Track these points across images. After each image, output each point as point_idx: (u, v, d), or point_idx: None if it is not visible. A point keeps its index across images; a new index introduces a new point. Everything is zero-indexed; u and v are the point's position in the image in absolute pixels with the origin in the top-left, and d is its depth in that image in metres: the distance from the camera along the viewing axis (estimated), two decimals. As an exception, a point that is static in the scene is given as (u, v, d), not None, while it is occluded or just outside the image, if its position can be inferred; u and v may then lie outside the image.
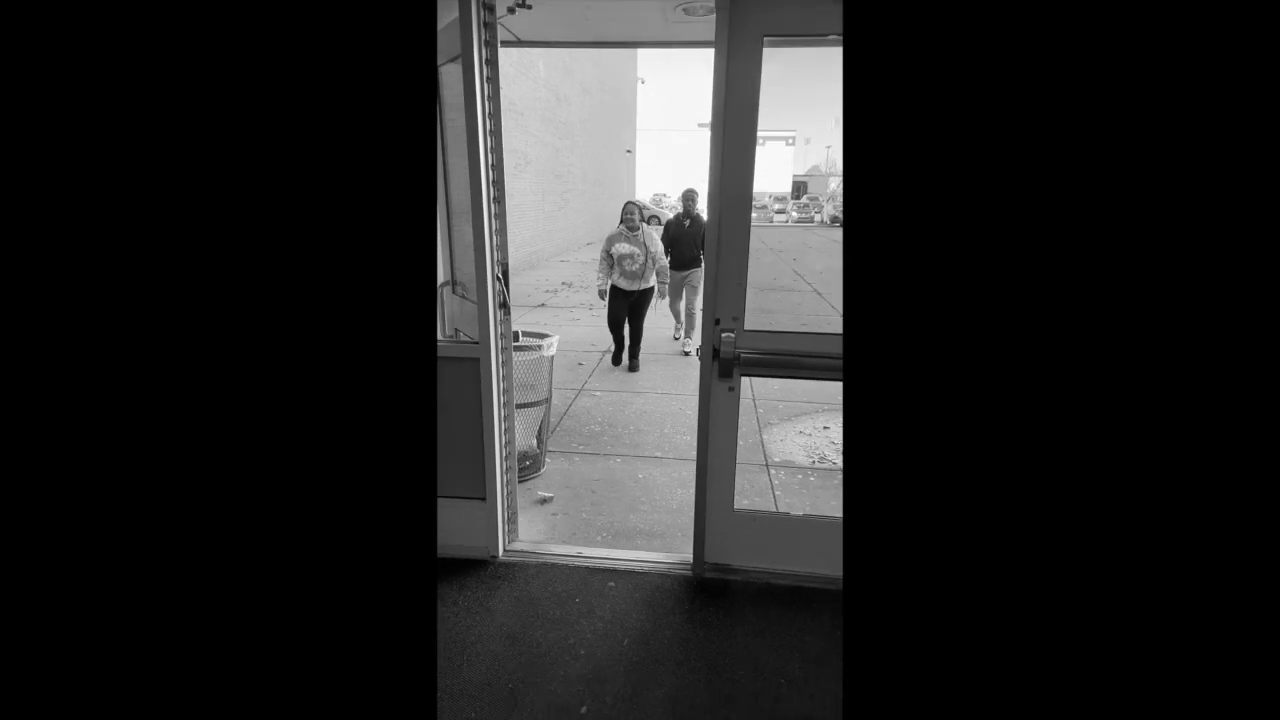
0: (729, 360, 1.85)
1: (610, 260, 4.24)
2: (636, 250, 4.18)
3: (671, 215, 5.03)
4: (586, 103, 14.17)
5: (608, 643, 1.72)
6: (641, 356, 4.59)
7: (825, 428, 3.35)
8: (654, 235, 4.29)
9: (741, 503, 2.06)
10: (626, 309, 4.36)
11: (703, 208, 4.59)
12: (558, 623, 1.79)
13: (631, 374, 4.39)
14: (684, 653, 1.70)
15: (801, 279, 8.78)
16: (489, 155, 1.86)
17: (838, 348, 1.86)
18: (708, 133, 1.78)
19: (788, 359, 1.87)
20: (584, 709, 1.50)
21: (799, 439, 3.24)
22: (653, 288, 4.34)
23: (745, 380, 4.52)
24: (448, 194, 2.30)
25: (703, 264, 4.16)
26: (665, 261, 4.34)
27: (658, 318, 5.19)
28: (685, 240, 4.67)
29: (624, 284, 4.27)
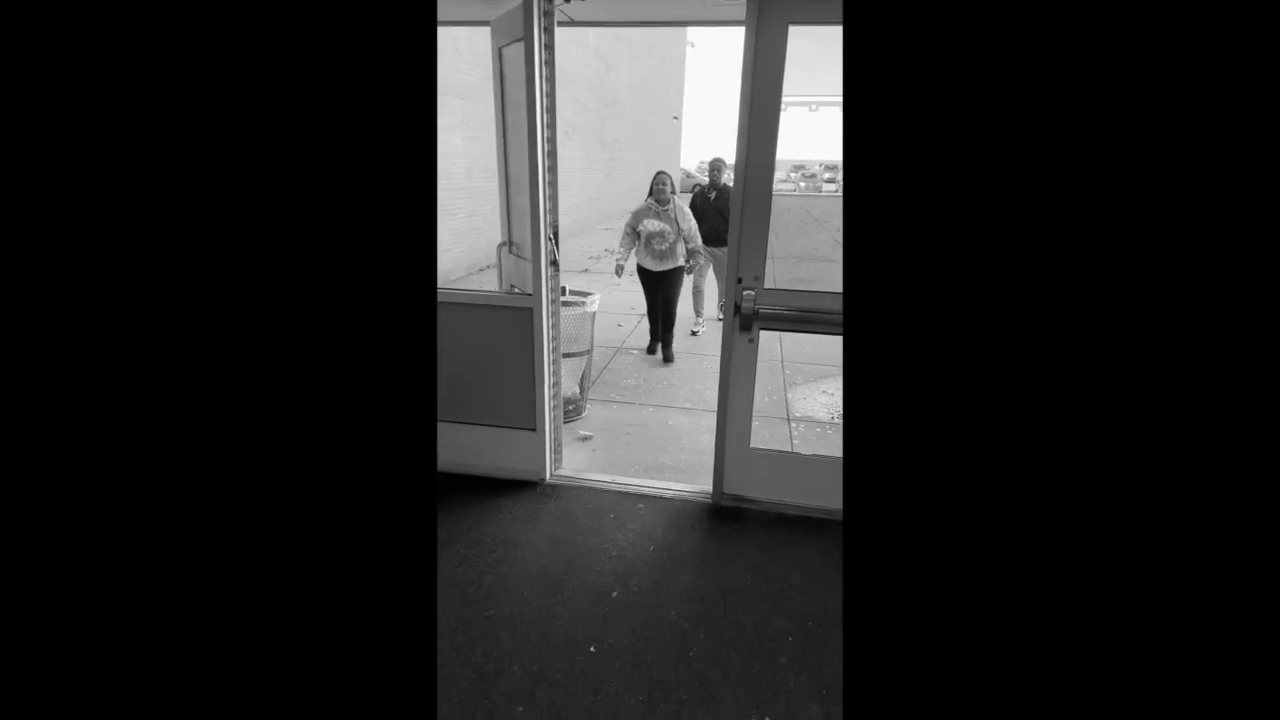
0: (749, 315, 2.09)
1: (636, 237, 3.81)
2: (666, 228, 3.70)
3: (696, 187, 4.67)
4: (635, 69, 14.12)
5: (636, 548, 2.05)
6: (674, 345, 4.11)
7: (848, 389, 3.55)
8: (687, 211, 3.82)
9: (758, 445, 2.33)
10: (656, 291, 3.90)
11: (731, 179, 4.09)
12: (594, 532, 2.13)
13: (666, 365, 3.94)
14: (700, 559, 2.01)
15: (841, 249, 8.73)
16: (544, 130, 2.13)
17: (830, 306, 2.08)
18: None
19: (800, 314, 2.10)
20: (615, 594, 1.84)
21: (821, 397, 3.46)
22: (681, 267, 3.87)
23: (776, 343, 4.67)
24: (506, 164, 2.59)
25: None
26: (699, 241, 3.86)
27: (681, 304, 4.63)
28: (710, 214, 4.36)
29: (650, 263, 3.81)
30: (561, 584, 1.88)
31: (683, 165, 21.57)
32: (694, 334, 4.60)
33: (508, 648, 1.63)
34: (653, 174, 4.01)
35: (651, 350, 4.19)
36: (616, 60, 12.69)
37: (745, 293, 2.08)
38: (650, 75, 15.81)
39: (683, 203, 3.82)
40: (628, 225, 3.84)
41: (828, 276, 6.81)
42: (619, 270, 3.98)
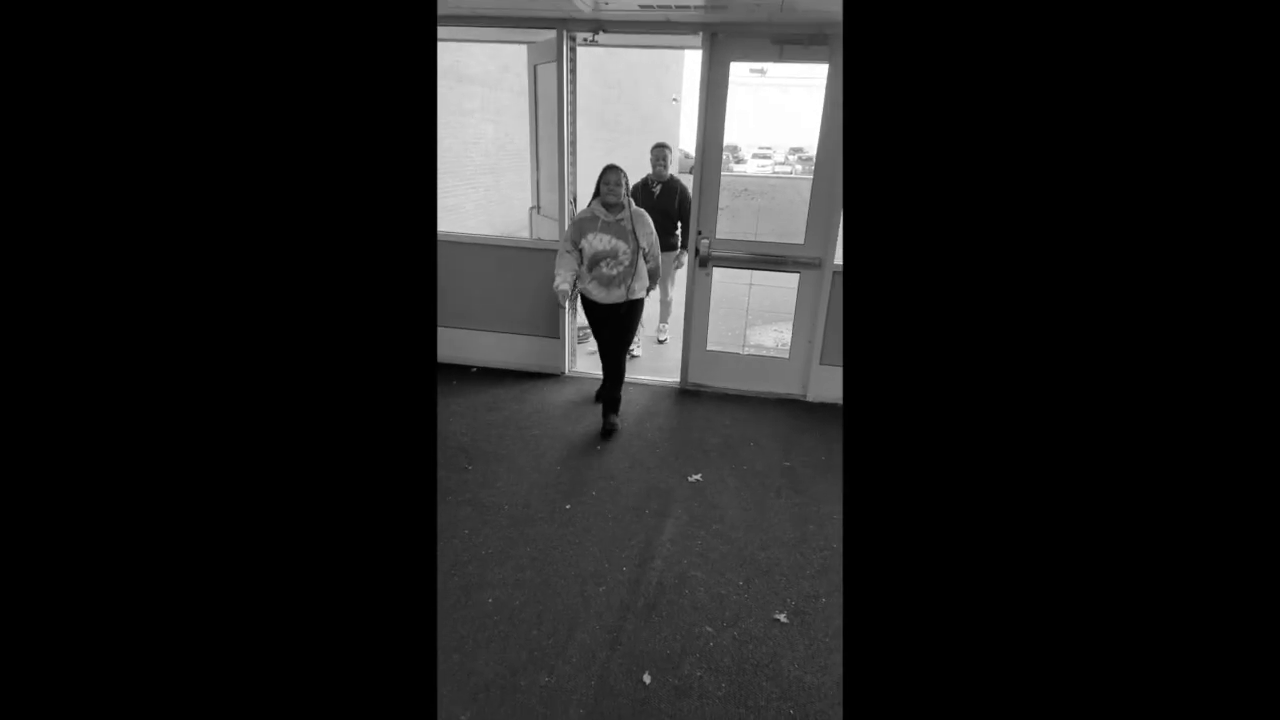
0: (705, 257, 3.11)
1: (578, 256, 2.59)
2: (620, 244, 2.53)
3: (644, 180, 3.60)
4: (635, 54, 14.88)
5: (628, 408, 3.09)
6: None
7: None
8: (647, 219, 2.60)
9: (712, 349, 3.36)
10: (601, 329, 2.74)
11: (676, 169, 3.64)
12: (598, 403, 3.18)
13: (604, 440, 2.74)
14: (669, 412, 3.05)
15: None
16: (568, 125, 3.11)
17: (773, 250, 3.10)
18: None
19: (740, 257, 3.12)
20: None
21: (772, 334, 4.49)
22: (640, 301, 2.70)
23: (745, 295, 5.75)
24: (536, 148, 3.57)
25: (678, 243, 3.63)
26: (659, 259, 2.70)
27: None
28: (651, 214, 2.77)
29: (597, 292, 2.61)
30: (580, 420, 2.92)
31: (682, 145, 22.34)
32: (660, 342, 4.11)
33: (549, 444, 2.67)
34: (651, 148, 3.49)
35: (606, 433, 2.79)
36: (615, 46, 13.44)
37: (702, 241, 3.09)
38: (649, 60, 16.53)
39: (641, 211, 2.63)
40: (566, 239, 2.62)
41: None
42: (564, 298, 2.52)
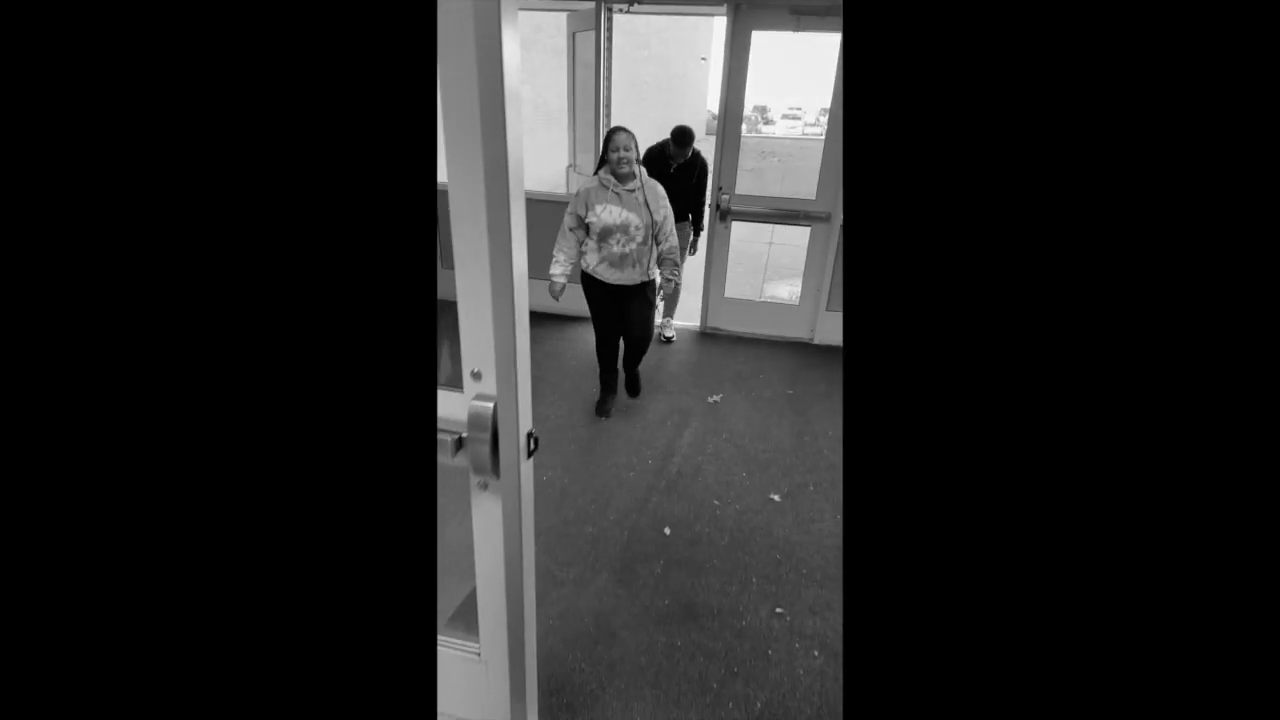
0: (725, 210, 3.46)
1: (584, 232, 2.38)
2: (632, 218, 2.30)
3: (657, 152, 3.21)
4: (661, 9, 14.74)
5: (654, 348, 3.51)
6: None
7: (808, 282, 4.92)
8: (660, 192, 2.37)
9: (729, 296, 3.73)
10: (613, 311, 2.50)
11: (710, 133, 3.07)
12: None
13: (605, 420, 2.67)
14: (693, 353, 3.46)
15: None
16: (604, 92, 3.44)
17: (787, 205, 3.44)
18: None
19: (757, 211, 3.47)
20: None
21: (787, 287, 4.83)
22: (653, 282, 2.47)
23: (764, 248, 6.10)
24: (574, 109, 3.91)
25: (690, 223, 3.28)
26: (674, 240, 2.41)
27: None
28: (670, 194, 2.51)
29: (606, 272, 2.40)
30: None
31: (709, 107, 22.07)
32: (668, 340, 3.56)
33: (586, 376, 3.11)
34: (683, 116, 2.98)
35: (601, 411, 2.71)
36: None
37: (723, 196, 3.44)
38: (678, 19, 16.32)
39: (654, 182, 2.39)
40: (570, 214, 2.36)
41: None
42: (558, 291, 2.38)
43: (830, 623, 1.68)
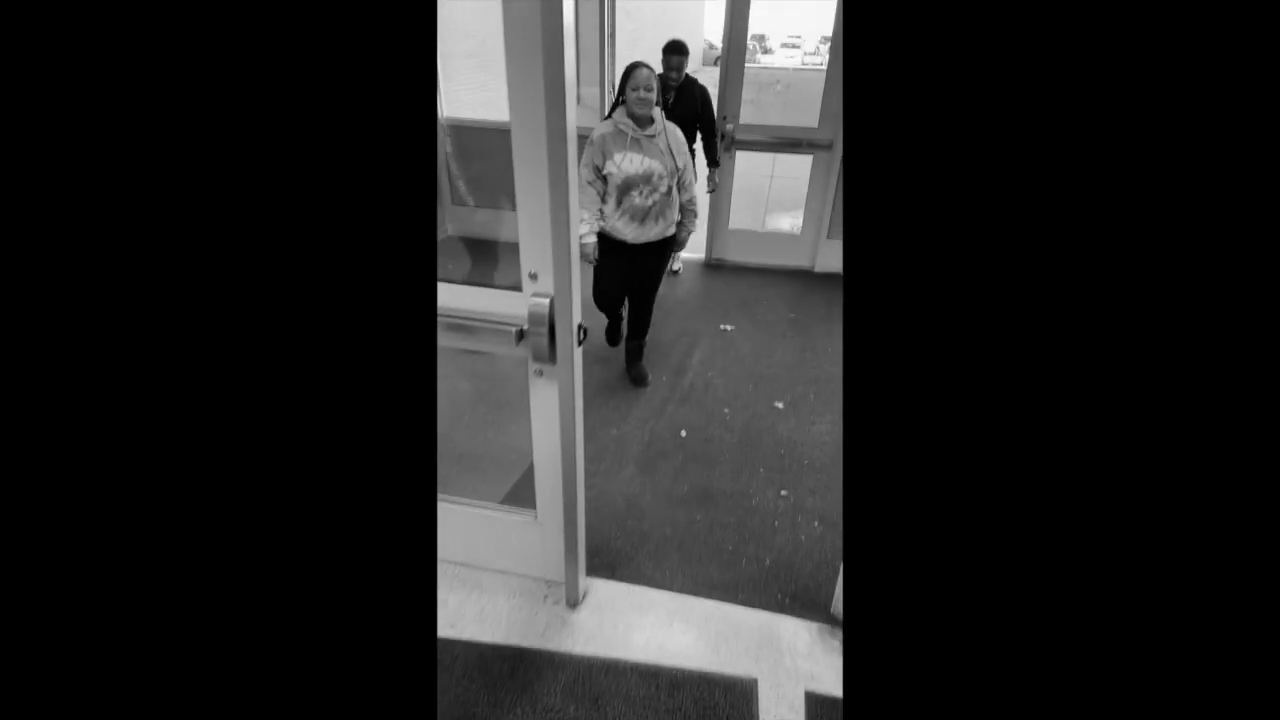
0: (731, 140, 3.54)
1: (603, 184, 2.11)
2: (656, 166, 2.07)
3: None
4: (658, -71, 13.92)
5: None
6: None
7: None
8: (681, 136, 2.15)
9: (733, 228, 3.86)
10: (625, 275, 2.31)
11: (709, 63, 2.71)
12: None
13: (636, 388, 2.50)
14: (699, 282, 3.63)
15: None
16: (609, 45, 3.45)
17: (790, 134, 3.52)
18: None
19: (761, 140, 3.55)
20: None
21: (788, 219, 4.94)
22: (673, 238, 2.26)
23: (765, 181, 6.13)
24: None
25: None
26: (694, 191, 2.24)
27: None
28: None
29: (626, 230, 2.15)
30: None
31: (706, 36, 21.09)
32: (675, 273, 3.64)
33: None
34: (664, 46, 2.88)
35: (613, 340, 2.64)
36: (641, -79, 12.60)
37: (727, 126, 3.51)
38: (674, -65, 15.40)
39: (673, 126, 2.14)
40: (585, 165, 2.09)
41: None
42: (590, 252, 2.14)
43: (828, 501, 1.95)
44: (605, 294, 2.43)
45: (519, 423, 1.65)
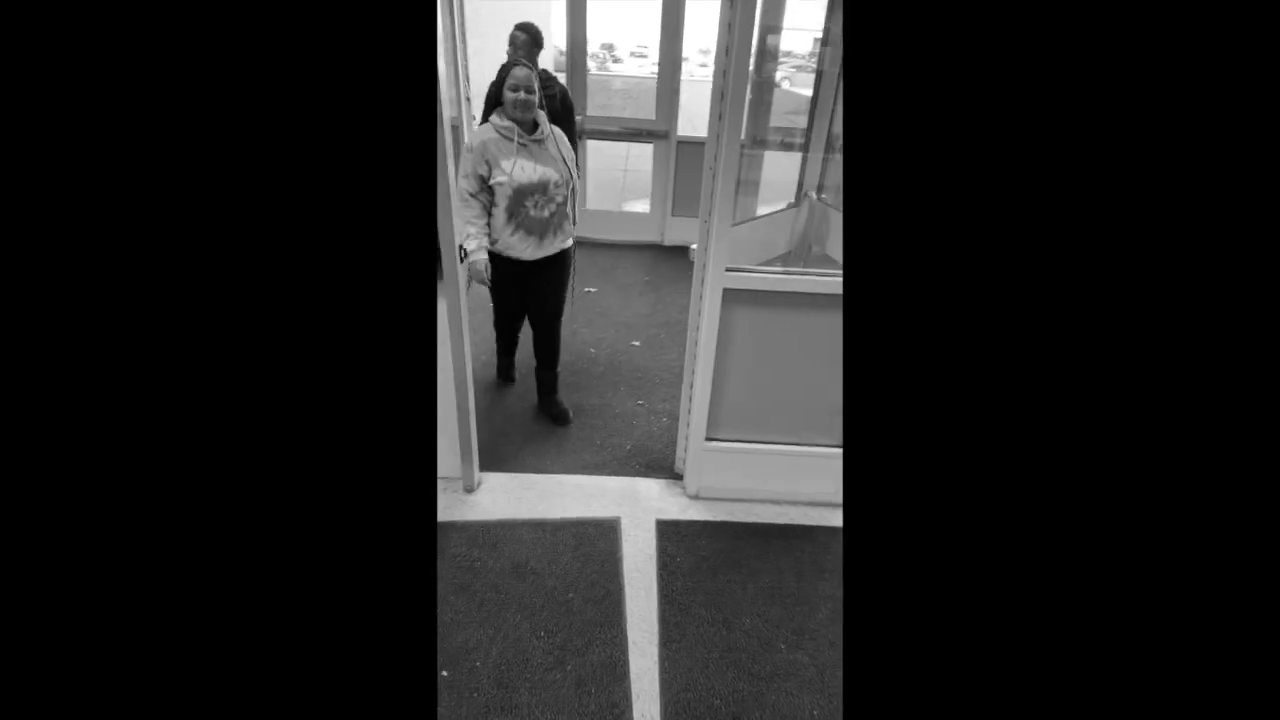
0: (580, 130, 3.99)
1: (488, 195, 1.89)
2: (551, 174, 1.89)
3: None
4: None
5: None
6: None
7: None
8: (565, 139, 2.00)
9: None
10: (525, 297, 2.12)
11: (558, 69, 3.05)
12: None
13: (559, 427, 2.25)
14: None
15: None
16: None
17: (632, 124, 4.05)
18: None
19: (608, 130, 4.05)
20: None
21: (639, 205, 5.53)
22: (569, 250, 2.09)
23: (620, 175, 6.52)
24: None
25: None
26: (575, 197, 2.05)
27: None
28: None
29: (522, 247, 1.95)
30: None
31: (554, 43, 20.82)
32: (588, 291, 3.34)
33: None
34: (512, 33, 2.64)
35: (505, 377, 2.47)
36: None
37: (578, 118, 3.96)
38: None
39: (556, 127, 1.98)
40: (467, 176, 1.87)
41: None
42: (482, 270, 1.90)
43: (673, 404, 2.45)
44: (506, 318, 2.24)
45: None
